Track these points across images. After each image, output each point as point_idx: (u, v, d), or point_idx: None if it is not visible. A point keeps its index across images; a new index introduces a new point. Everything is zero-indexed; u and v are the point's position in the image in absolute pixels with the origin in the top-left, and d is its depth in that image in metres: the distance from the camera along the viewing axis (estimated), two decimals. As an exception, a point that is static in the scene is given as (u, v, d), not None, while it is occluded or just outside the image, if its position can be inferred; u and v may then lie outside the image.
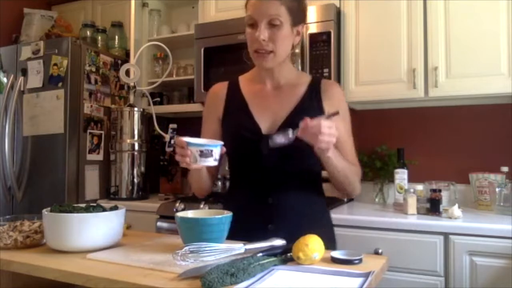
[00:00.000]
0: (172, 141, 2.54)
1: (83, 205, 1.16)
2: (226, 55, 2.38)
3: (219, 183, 2.53)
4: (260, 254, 0.96)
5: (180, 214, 1.09)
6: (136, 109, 2.57)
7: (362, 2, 2.19)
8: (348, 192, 1.29)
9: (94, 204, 1.17)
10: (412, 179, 2.13)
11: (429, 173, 2.23)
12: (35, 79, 2.49)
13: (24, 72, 2.53)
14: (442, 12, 2.03)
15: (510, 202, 1.86)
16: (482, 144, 2.24)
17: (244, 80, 1.38)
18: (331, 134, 1.05)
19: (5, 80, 2.58)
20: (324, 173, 1.29)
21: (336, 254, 0.97)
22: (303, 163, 1.24)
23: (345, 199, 2.25)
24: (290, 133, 1.07)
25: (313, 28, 2.14)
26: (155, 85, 2.69)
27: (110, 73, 2.69)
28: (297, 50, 1.32)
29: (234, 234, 1.08)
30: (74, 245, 1.04)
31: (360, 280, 0.84)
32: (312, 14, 2.14)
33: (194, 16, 2.74)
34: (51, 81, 2.45)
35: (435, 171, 2.26)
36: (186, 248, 0.93)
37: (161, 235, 1.44)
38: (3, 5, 3.03)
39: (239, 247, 0.97)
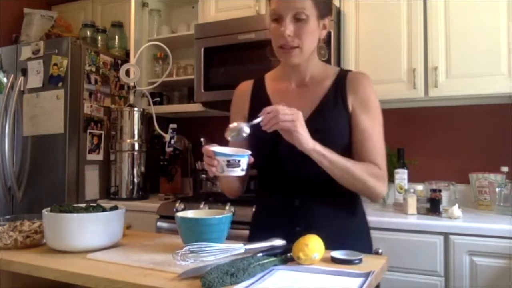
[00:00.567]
0: (172, 141, 2.54)
1: (83, 205, 1.16)
2: (226, 55, 2.38)
3: (219, 183, 2.53)
4: (260, 254, 0.96)
5: (180, 214, 1.09)
6: (136, 109, 2.57)
7: (362, 2, 2.19)
8: (362, 191, 1.18)
9: (94, 204, 1.17)
10: (412, 179, 2.13)
11: (429, 173, 2.23)
12: (35, 79, 2.49)
13: (24, 72, 2.53)
14: (442, 12, 2.03)
15: (510, 202, 1.86)
16: (482, 144, 2.24)
17: (269, 78, 1.33)
18: (293, 113, 1.02)
19: (5, 80, 2.58)
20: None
21: (336, 254, 0.97)
22: None
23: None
24: (244, 128, 1.06)
25: (313, 28, 2.14)
26: (155, 85, 2.69)
27: (110, 73, 2.69)
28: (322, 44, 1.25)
29: (263, 235, 1.05)
30: (74, 245, 1.04)
31: (360, 280, 0.84)
32: (312, 14, 2.14)
33: (194, 16, 2.74)
34: (51, 81, 2.45)
35: (435, 171, 2.26)
36: (186, 248, 0.93)
37: (161, 235, 1.44)
38: (3, 5, 3.03)
39: (239, 247, 0.97)
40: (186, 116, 2.91)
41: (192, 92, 2.52)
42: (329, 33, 2.10)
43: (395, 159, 2.17)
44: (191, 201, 2.19)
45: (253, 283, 0.81)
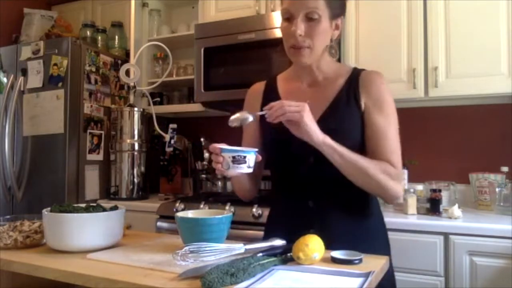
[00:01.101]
0: (172, 141, 2.54)
1: (83, 205, 1.16)
2: (226, 55, 2.38)
3: (219, 183, 2.53)
4: (260, 254, 0.96)
5: (180, 214, 1.09)
6: (136, 109, 2.57)
7: (362, 2, 2.19)
8: (376, 191, 1.14)
9: (94, 204, 1.17)
10: (412, 179, 2.13)
11: (429, 173, 2.23)
12: (35, 79, 2.49)
13: (24, 72, 2.53)
14: (442, 12, 2.03)
15: (510, 202, 1.86)
16: (482, 144, 2.24)
17: (281, 79, 1.31)
18: (299, 105, 1.01)
19: (5, 80, 2.58)
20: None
21: (336, 254, 0.97)
22: None
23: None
24: (250, 117, 1.07)
25: (313, 28, 2.14)
26: (155, 85, 2.69)
27: (110, 73, 2.69)
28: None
29: (278, 236, 1.04)
30: (74, 245, 1.04)
31: (360, 280, 0.84)
32: (312, 14, 2.14)
33: (194, 16, 2.74)
34: (51, 81, 2.45)
35: (435, 171, 2.26)
36: (186, 248, 0.93)
37: (161, 235, 1.43)
38: (3, 5, 3.03)
39: (239, 247, 0.97)
40: (186, 116, 2.91)
41: (192, 92, 2.52)
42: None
43: (395, 159, 2.16)
44: (191, 201, 2.19)
45: (253, 283, 0.81)
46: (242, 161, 1.03)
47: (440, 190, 1.89)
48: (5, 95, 2.53)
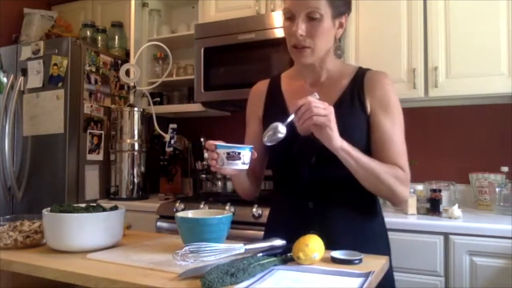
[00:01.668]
0: (172, 141, 2.54)
1: (83, 205, 1.16)
2: (226, 55, 2.38)
3: (219, 183, 2.53)
4: (260, 254, 0.96)
5: (180, 214, 1.09)
6: (136, 109, 2.57)
7: (362, 2, 2.19)
8: (386, 195, 1.13)
9: (94, 204, 1.17)
10: (412, 179, 2.10)
11: (429, 173, 2.22)
12: (35, 79, 2.49)
13: (24, 72, 2.53)
14: (442, 12, 2.03)
15: (510, 202, 1.86)
16: (482, 144, 2.24)
17: (285, 77, 1.29)
18: (326, 107, 0.98)
19: (5, 80, 2.58)
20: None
21: (336, 254, 0.97)
22: (344, 167, 1.09)
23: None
24: (280, 127, 1.02)
25: (313, 28, 2.14)
26: (155, 85, 2.69)
27: (110, 73, 2.69)
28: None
29: (278, 236, 1.04)
30: (74, 245, 1.04)
31: (360, 280, 0.84)
32: (312, 14, 2.14)
33: (194, 16, 2.74)
34: (51, 81, 2.45)
35: (435, 171, 2.26)
36: (186, 248, 0.93)
37: (161, 235, 1.44)
38: (3, 5, 3.03)
39: (239, 247, 0.97)
40: (186, 116, 2.90)
41: (192, 92, 2.52)
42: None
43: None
44: (191, 201, 2.19)
45: (253, 283, 0.81)
46: (237, 158, 1.04)
47: (440, 190, 1.89)
48: (5, 95, 2.53)
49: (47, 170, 2.45)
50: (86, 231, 1.04)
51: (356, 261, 0.95)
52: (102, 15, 3.07)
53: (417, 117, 2.36)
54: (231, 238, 1.12)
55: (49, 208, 1.09)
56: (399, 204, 1.17)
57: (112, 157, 2.57)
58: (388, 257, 1.07)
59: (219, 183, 2.49)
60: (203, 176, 2.53)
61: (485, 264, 1.63)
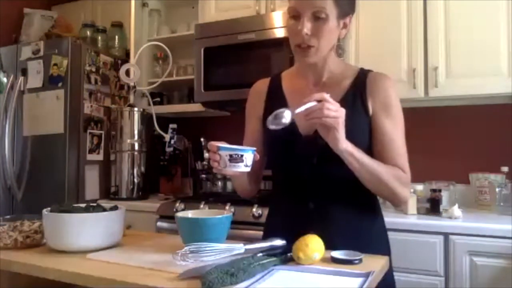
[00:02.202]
0: (172, 141, 2.54)
1: (83, 205, 1.16)
2: (226, 55, 2.38)
3: (219, 183, 2.53)
4: (260, 254, 0.96)
5: (180, 214, 1.09)
6: (136, 109, 2.57)
7: (362, 2, 2.18)
8: (386, 195, 1.13)
9: (94, 204, 1.17)
10: (412, 179, 2.11)
11: (429, 173, 2.22)
12: (35, 79, 2.49)
13: (24, 72, 2.53)
14: (442, 12, 2.03)
15: (510, 202, 1.86)
16: (482, 144, 2.24)
17: (286, 76, 1.29)
18: (337, 110, 0.97)
19: (5, 80, 2.58)
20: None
21: (336, 254, 0.97)
22: (345, 168, 1.09)
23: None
24: (286, 112, 0.99)
25: (313, 28, 2.14)
26: (155, 85, 2.68)
27: (110, 73, 2.69)
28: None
29: (275, 236, 1.04)
30: (74, 245, 1.04)
31: (360, 280, 0.84)
32: (312, 14, 2.14)
33: (194, 16, 2.74)
34: (51, 81, 2.45)
35: (435, 171, 2.26)
36: (186, 248, 0.93)
37: (161, 235, 1.44)
38: (3, 5, 3.03)
39: (239, 247, 0.97)
40: (186, 116, 2.90)
41: (192, 92, 2.52)
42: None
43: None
44: (191, 201, 2.19)
45: (253, 283, 0.81)
46: (239, 160, 1.02)
47: (440, 190, 1.89)
48: (5, 95, 2.53)
49: (47, 170, 2.45)
50: (86, 231, 1.04)
51: (356, 261, 0.95)
52: (102, 15, 3.06)
53: (417, 117, 2.36)
54: (231, 238, 1.12)
55: (49, 208, 1.09)
56: (399, 205, 1.17)
57: (112, 157, 2.58)
58: (388, 257, 1.07)
59: (219, 183, 2.49)
60: (203, 176, 2.53)
61: (485, 264, 1.63)
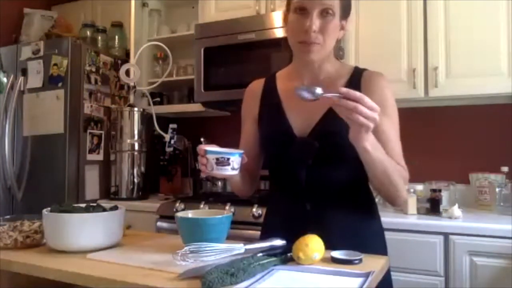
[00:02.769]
0: (172, 141, 2.54)
1: (83, 205, 1.16)
2: (226, 55, 2.38)
3: (219, 183, 2.53)
4: (260, 254, 0.96)
5: (180, 214, 1.09)
6: (136, 109, 2.57)
7: (362, 2, 2.19)
8: (391, 194, 1.11)
9: (94, 204, 1.17)
10: (412, 179, 2.11)
11: (429, 173, 2.22)
12: (35, 79, 2.49)
13: (24, 72, 2.53)
14: (442, 12, 2.03)
15: (510, 202, 1.86)
16: (482, 144, 2.24)
17: (281, 76, 1.28)
18: (373, 108, 0.91)
19: (5, 80, 2.58)
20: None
21: (336, 254, 0.97)
22: (341, 169, 1.10)
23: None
24: (318, 90, 0.94)
25: (313, 28, 2.14)
26: (155, 85, 2.68)
27: (110, 73, 2.69)
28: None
29: (273, 236, 1.04)
30: (74, 245, 1.04)
31: (360, 280, 0.84)
32: (312, 14, 2.14)
33: (194, 16, 2.74)
34: (51, 81, 2.45)
35: (435, 171, 2.26)
36: (186, 248, 0.93)
37: (161, 235, 1.44)
38: (3, 5, 3.03)
39: (239, 247, 0.97)
40: (186, 116, 2.91)
41: (192, 92, 2.52)
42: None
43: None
44: (191, 201, 2.19)
45: (253, 283, 0.81)
46: (226, 163, 1.03)
47: (440, 190, 1.89)
48: (5, 95, 2.53)
49: (47, 170, 2.45)
50: (86, 231, 1.04)
51: (356, 261, 0.95)
52: (102, 15, 3.06)
53: (417, 117, 2.36)
54: (231, 238, 1.12)
55: (49, 208, 1.09)
56: (399, 204, 1.17)
57: (112, 157, 2.57)
58: (387, 257, 1.07)
59: (219, 183, 2.49)
60: (203, 176, 2.52)
61: (485, 264, 1.63)
